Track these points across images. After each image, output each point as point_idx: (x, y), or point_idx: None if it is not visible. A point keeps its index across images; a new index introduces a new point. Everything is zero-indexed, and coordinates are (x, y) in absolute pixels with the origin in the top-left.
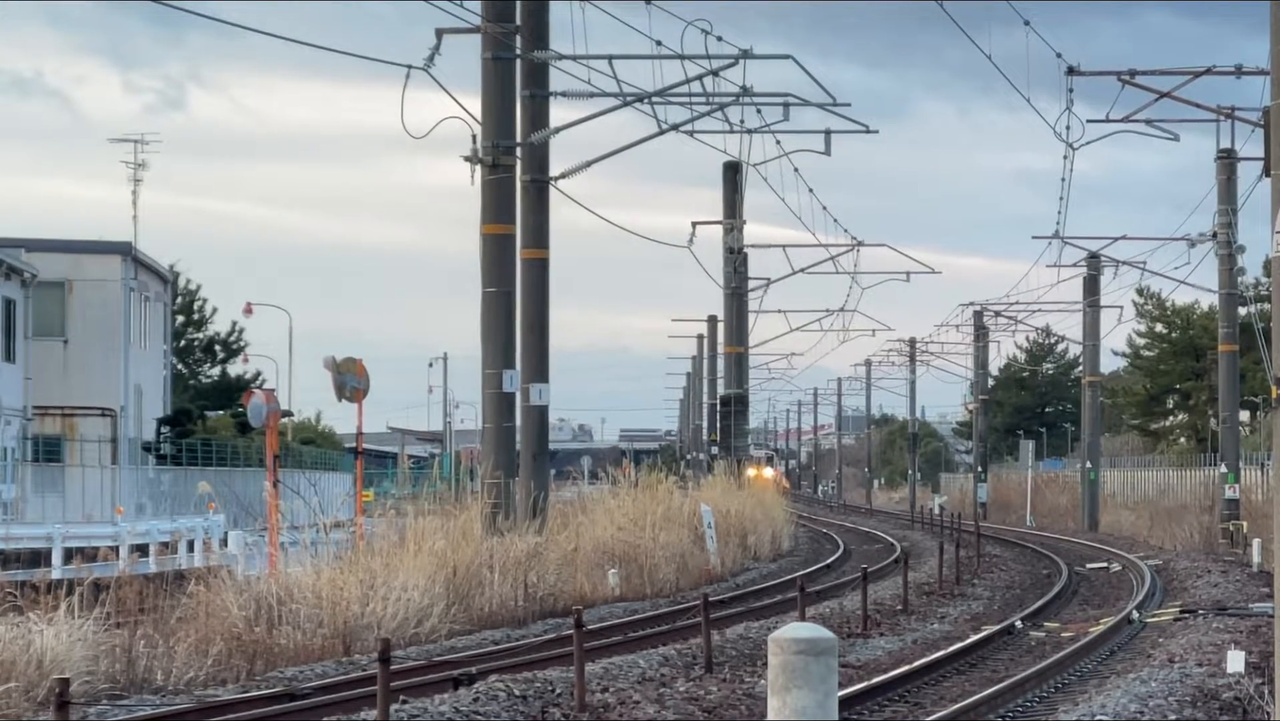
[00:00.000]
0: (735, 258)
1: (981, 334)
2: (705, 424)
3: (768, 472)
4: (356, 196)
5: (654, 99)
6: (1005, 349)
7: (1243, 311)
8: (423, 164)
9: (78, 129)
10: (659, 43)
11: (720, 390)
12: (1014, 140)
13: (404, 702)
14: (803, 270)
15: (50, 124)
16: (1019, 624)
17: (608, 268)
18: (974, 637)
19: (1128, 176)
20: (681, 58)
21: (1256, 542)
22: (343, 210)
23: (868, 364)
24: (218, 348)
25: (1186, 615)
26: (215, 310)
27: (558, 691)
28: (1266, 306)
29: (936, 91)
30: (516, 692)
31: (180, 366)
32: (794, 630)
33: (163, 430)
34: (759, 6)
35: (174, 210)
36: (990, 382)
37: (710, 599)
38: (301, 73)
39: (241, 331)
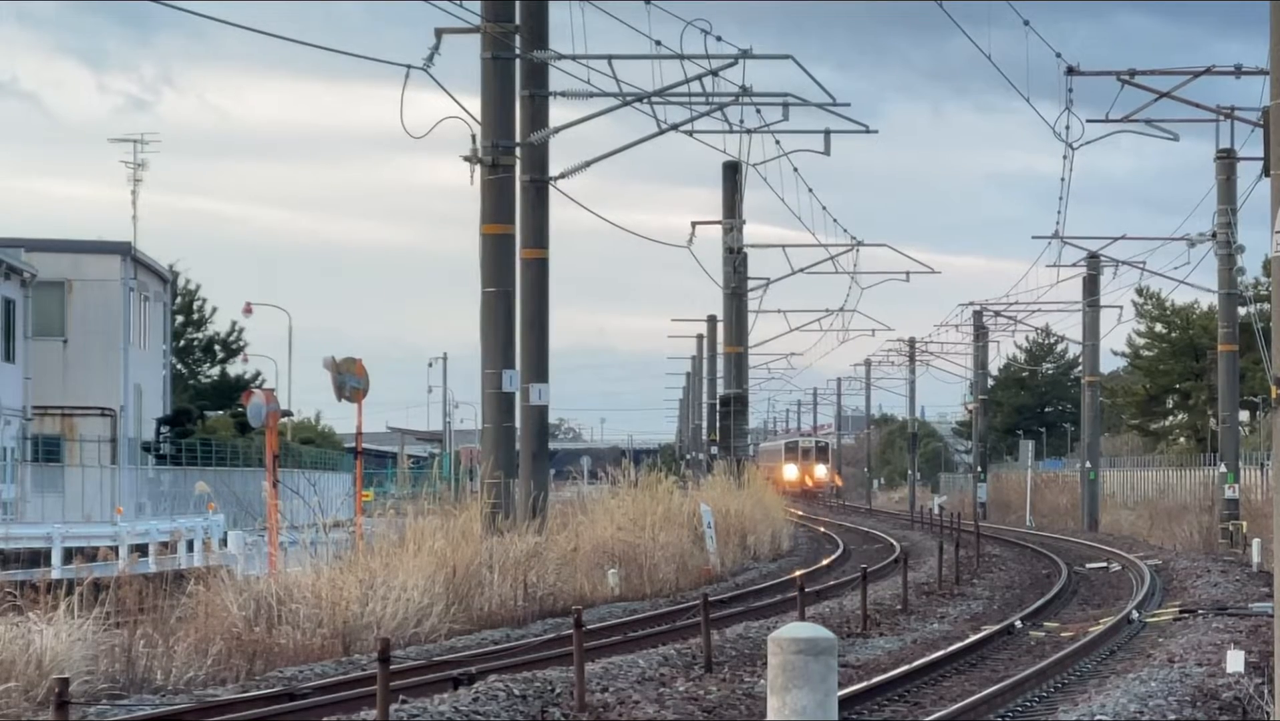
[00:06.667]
0: (735, 257)
1: (981, 334)
2: (705, 424)
3: (820, 472)
4: (355, 196)
5: (653, 99)
6: (1005, 349)
7: (1242, 311)
8: (421, 164)
9: (59, 131)
10: (658, 43)
11: (720, 390)
12: (997, 141)
13: (404, 702)
14: (802, 270)
15: (32, 126)
16: (1019, 623)
17: (608, 268)
18: (974, 637)
19: (1105, 178)
20: (681, 58)
21: (1256, 542)
22: (341, 210)
23: (867, 364)
24: (217, 347)
25: (1186, 615)
26: (215, 310)
27: (557, 691)
28: (1266, 306)
29: (908, 93)
30: (516, 692)
31: (180, 366)
32: (794, 630)
33: (162, 430)
34: (735, 8)
35: (172, 210)
36: (990, 382)
37: (710, 598)
38: (288, 72)
39: (241, 331)
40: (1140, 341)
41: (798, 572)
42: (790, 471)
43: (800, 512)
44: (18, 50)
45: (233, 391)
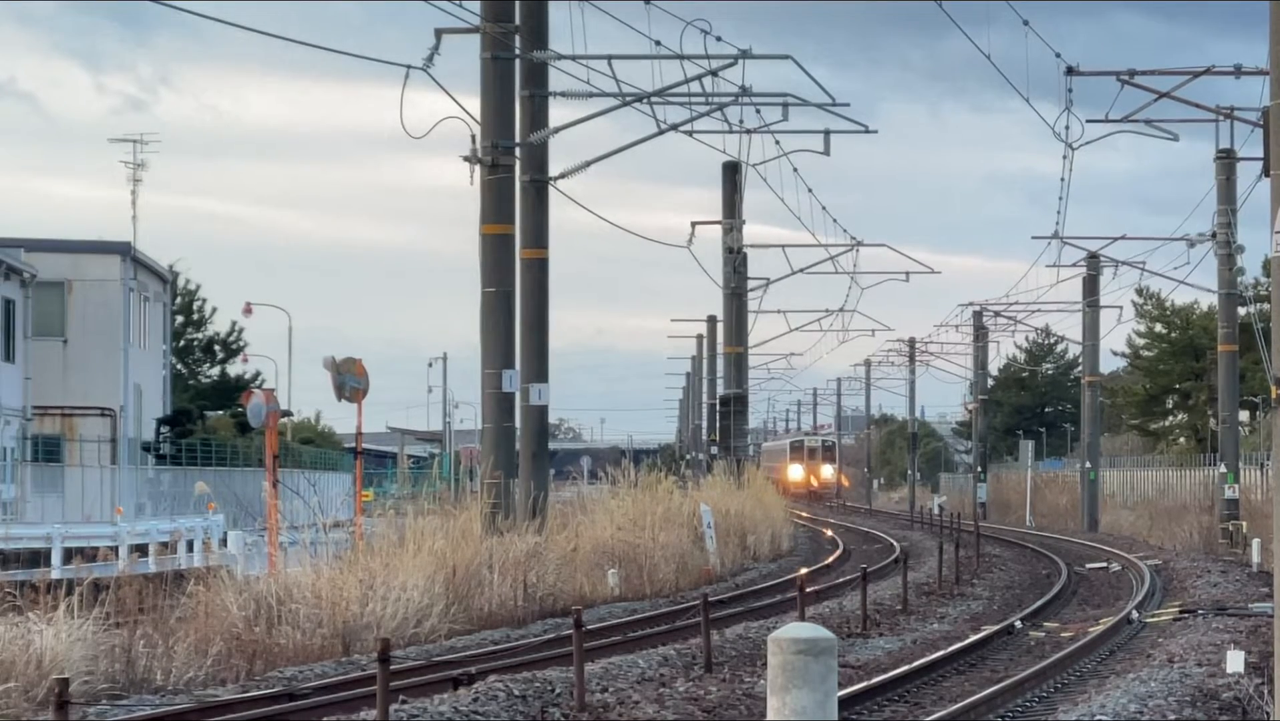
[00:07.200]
0: (735, 258)
1: (981, 334)
2: (705, 424)
3: (826, 472)
4: (355, 196)
5: (653, 99)
6: (1005, 349)
7: (1242, 311)
8: (421, 164)
9: (58, 131)
10: (658, 43)
11: (720, 390)
12: (996, 141)
13: (403, 702)
14: (802, 270)
15: (31, 126)
16: (1018, 624)
17: (608, 268)
18: (973, 637)
19: (1104, 178)
20: (681, 58)
21: (1256, 542)
22: (341, 210)
23: (867, 364)
24: (217, 347)
25: (1186, 615)
26: (215, 310)
27: (557, 691)
28: (1266, 306)
29: (905, 93)
30: (516, 692)
31: (180, 366)
32: (794, 630)
33: (162, 430)
34: (734, 8)
35: (172, 210)
36: (990, 382)
37: (710, 599)
38: (287, 72)
39: (241, 331)
40: (1140, 341)
41: (802, 571)
42: (795, 471)
43: (806, 514)
44: (16, 50)
45: (233, 391)
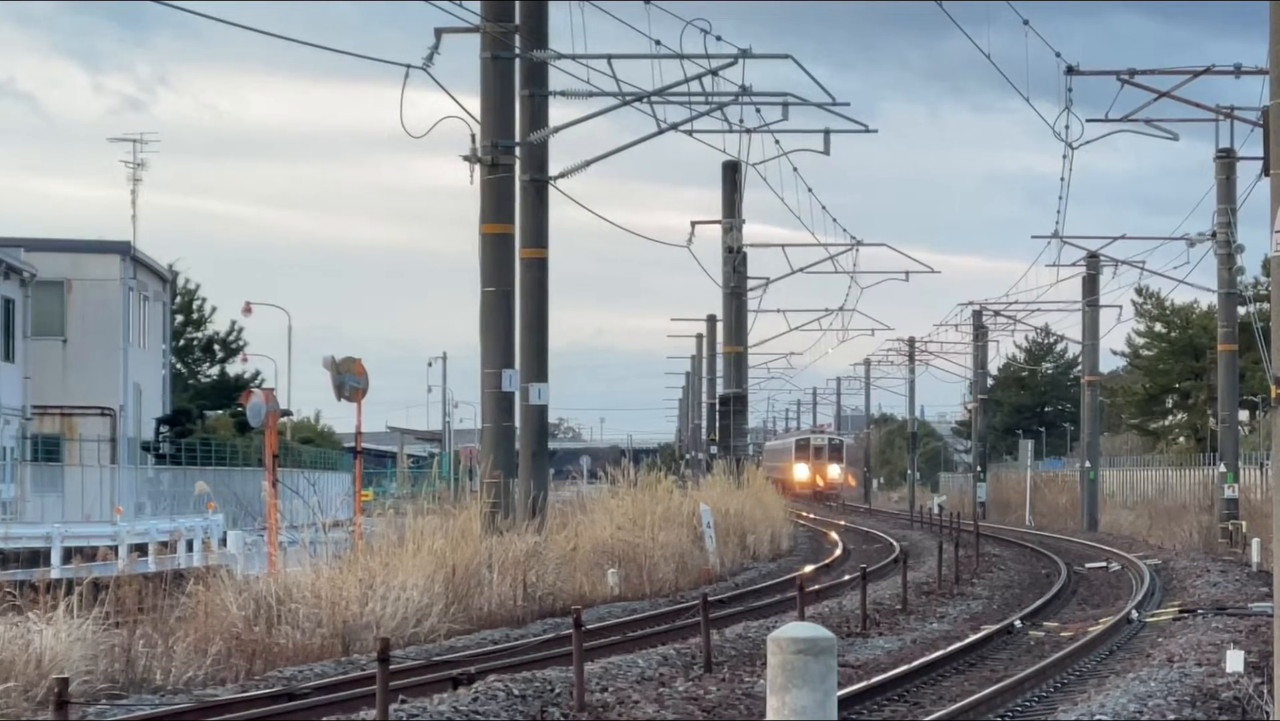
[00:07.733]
0: (734, 257)
1: (980, 333)
2: (705, 423)
3: (833, 472)
4: (355, 196)
5: (653, 98)
6: (1004, 348)
7: (1242, 311)
8: (421, 164)
9: (57, 131)
10: (658, 42)
11: (719, 390)
12: (995, 141)
13: (403, 702)
14: (802, 270)
15: (30, 126)
16: (1018, 623)
17: (608, 268)
18: (973, 637)
19: (1104, 178)
20: (680, 57)
21: (1256, 542)
22: (341, 210)
23: (867, 363)
24: (217, 347)
25: (1186, 615)
26: (214, 310)
27: (557, 691)
28: (1266, 306)
29: (904, 93)
30: (516, 692)
31: (179, 366)
32: (793, 629)
33: (162, 430)
34: (733, 8)
35: (172, 210)
36: (989, 382)
37: (709, 598)
38: (287, 72)
39: (241, 331)
40: (1140, 341)
41: (804, 570)
42: (801, 471)
43: (807, 515)
44: (15, 50)
45: (232, 391)
